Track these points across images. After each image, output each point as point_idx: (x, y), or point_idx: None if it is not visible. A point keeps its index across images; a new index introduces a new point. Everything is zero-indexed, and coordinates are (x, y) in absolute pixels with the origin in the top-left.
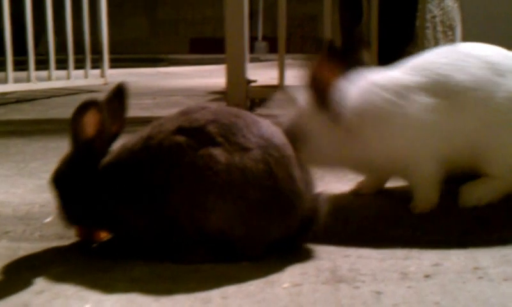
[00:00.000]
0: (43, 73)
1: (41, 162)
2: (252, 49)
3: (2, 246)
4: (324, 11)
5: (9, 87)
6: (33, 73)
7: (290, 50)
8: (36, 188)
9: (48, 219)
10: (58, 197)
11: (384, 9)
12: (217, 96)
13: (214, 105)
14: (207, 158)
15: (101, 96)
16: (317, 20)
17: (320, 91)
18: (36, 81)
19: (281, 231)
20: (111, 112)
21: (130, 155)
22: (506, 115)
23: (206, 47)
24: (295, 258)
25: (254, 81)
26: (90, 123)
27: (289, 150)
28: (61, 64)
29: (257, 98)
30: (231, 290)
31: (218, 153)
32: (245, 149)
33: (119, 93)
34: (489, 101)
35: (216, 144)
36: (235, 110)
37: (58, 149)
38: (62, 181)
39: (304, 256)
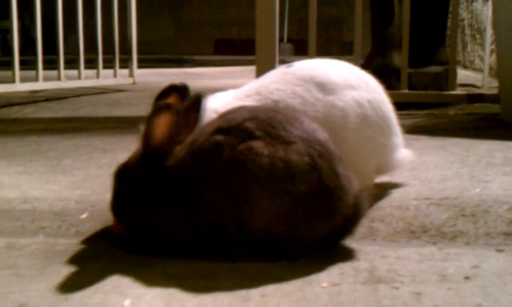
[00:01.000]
0: (72, 72)
1: (73, 160)
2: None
3: (39, 242)
4: (355, 15)
5: (39, 85)
6: (63, 71)
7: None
8: (70, 185)
9: (84, 215)
10: (115, 190)
11: (416, 11)
12: None
13: (251, 105)
14: (247, 152)
15: (130, 95)
16: (342, 23)
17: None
18: (66, 80)
19: (325, 229)
20: (185, 121)
21: (177, 160)
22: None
23: (230, 48)
24: (332, 258)
25: None
26: (164, 126)
27: (332, 146)
28: (89, 63)
29: None
30: (270, 288)
31: (259, 145)
32: (287, 142)
33: (196, 104)
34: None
35: (255, 138)
36: (273, 106)
37: (89, 147)
38: (125, 176)
39: (341, 255)
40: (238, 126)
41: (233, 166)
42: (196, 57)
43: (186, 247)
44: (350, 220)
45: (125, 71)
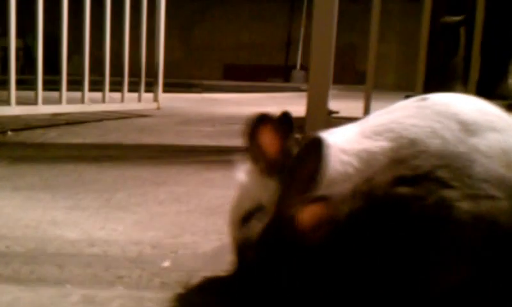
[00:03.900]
0: (94, 95)
1: (126, 194)
2: (289, 78)
3: (121, 295)
4: (370, 42)
5: (62, 108)
6: (87, 94)
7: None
8: (136, 225)
9: (166, 263)
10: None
11: (483, 44)
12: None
13: (433, 147)
14: (440, 207)
15: (156, 121)
16: (356, 49)
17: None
18: (90, 103)
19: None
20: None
21: (348, 218)
22: None
23: (240, 73)
24: None
25: (336, 112)
26: (314, 219)
27: None
28: (111, 86)
29: None
30: None
31: (455, 198)
32: (491, 197)
33: (316, 150)
34: None
35: (450, 188)
36: (465, 152)
37: (137, 179)
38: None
39: None
40: (427, 176)
41: (423, 225)
42: (205, 82)
43: None
44: None
45: (148, 96)
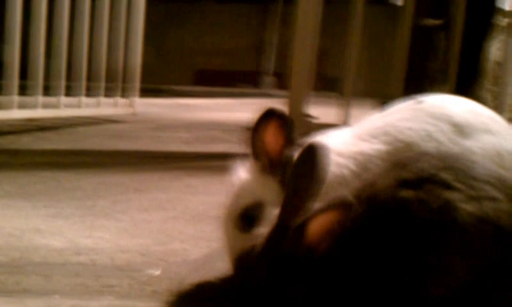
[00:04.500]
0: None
1: (109, 201)
2: (260, 84)
3: (111, 305)
4: (351, 47)
5: (38, 113)
6: (62, 99)
7: None
8: (123, 233)
9: (156, 271)
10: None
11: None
12: None
13: (437, 150)
14: (445, 210)
15: (132, 127)
16: (325, 55)
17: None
18: (64, 108)
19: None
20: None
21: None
22: None
23: (212, 79)
24: None
25: (316, 118)
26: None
27: None
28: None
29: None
30: None
31: (459, 200)
32: (494, 199)
33: (312, 156)
34: None
35: (453, 190)
36: (473, 156)
37: (119, 185)
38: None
39: None
40: (430, 178)
41: (427, 229)
42: (176, 87)
43: None
44: None
45: (123, 101)
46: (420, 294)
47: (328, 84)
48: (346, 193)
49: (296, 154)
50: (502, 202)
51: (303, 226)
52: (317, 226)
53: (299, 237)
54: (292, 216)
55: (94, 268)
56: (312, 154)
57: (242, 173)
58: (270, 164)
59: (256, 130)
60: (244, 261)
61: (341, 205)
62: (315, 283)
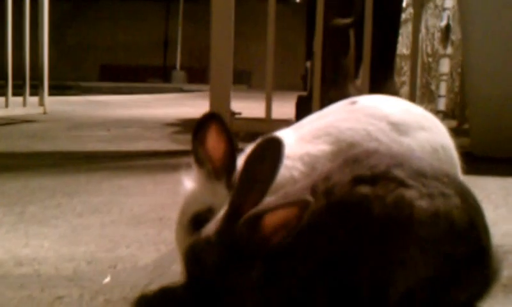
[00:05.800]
0: None
1: (39, 206)
2: (170, 78)
3: None
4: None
5: None
6: None
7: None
8: (62, 240)
9: (106, 279)
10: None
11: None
12: (178, 128)
13: (383, 148)
14: (401, 205)
15: (45, 127)
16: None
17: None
18: None
19: (470, 295)
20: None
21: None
22: None
23: (117, 74)
24: None
25: (238, 113)
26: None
27: (479, 201)
28: None
29: (242, 132)
30: None
31: (415, 197)
32: (444, 195)
33: (274, 151)
34: None
35: (407, 187)
36: (416, 153)
37: (45, 189)
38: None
39: None
40: (384, 175)
41: (385, 224)
42: (82, 84)
43: None
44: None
45: (32, 100)
46: (385, 289)
47: (236, 77)
48: (301, 189)
49: (239, 158)
50: (451, 197)
51: (257, 217)
52: (273, 218)
53: (252, 227)
54: (244, 204)
55: (39, 279)
56: (270, 146)
57: (189, 182)
58: (215, 170)
59: (197, 137)
60: (193, 252)
61: (299, 202)
62: (265, 275)
